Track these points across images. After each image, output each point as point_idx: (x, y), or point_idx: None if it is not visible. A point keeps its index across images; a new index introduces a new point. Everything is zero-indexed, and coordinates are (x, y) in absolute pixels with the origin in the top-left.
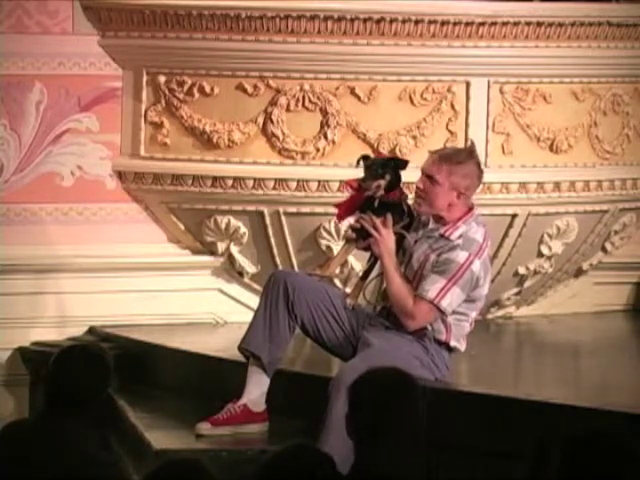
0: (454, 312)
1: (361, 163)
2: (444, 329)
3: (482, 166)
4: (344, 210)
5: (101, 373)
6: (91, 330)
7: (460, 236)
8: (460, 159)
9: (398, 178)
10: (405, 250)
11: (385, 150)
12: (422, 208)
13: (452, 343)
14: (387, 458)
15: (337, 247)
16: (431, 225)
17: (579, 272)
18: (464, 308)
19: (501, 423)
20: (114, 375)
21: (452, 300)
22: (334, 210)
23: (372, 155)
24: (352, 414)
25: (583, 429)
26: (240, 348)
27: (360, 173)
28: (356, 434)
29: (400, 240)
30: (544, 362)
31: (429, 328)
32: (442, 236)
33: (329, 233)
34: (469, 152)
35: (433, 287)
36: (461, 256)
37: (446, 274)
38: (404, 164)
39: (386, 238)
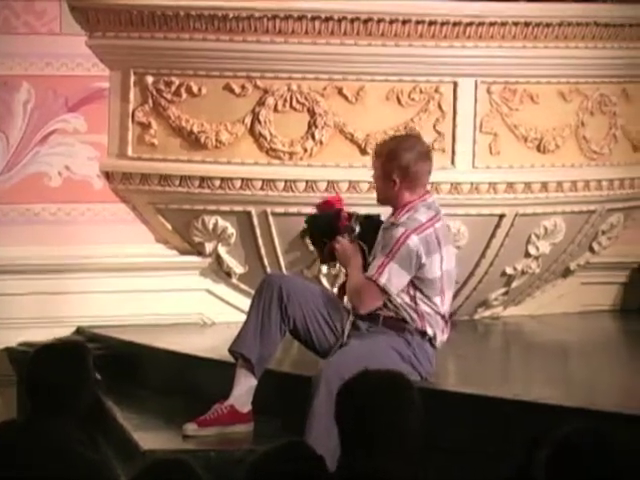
0: (412, 296)
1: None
2: (417, 317)
3: (423, 151)
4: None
5: (78, 370)
6: (79, 330)
7: (407, 219)
8: (389, 150)
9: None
10: (368, 254)
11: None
12: (378, 200)
13: (428, 330)
14: (379, 460)
15: None
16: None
17: (566, 272)
18: (419, 291)
19: (489, 423)
20: (102, 375)
21: (390, 276)
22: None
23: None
24: (343, 421)
25: (567, 430)
26: (231, 350)
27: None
28: (348, 436)
29: (362, 249)
30: (532, 362)
31: (408, 319)
32: (392, 224)
33: None
34: (400, 142)
35: (373, 265)
36: (398, 232)
37: (384, 251)
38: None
39: (339, 249)
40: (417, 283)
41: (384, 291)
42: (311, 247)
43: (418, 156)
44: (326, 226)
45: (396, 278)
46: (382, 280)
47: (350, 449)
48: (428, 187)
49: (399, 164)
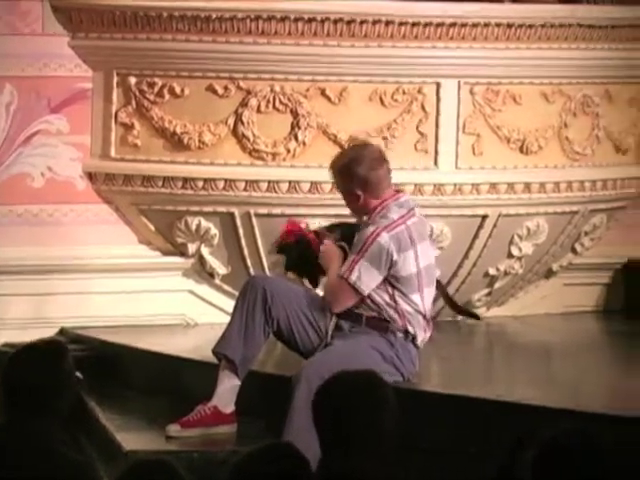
0: (391, 295)
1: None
2: (398, 316)
3: (376, 155)
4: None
5: (57, 370)
6: (62, 331)
7: (379, 218)
8: (342, 168)
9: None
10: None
11: None
12: (352, 213)
13: (410, 329)
14: (361, 462)
15: None
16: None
17: (549, 273)
18: (397, 289)
19: (472, 424)
20: (85, 376)
21: (361, 274)
22: (305, 212)
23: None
24: (320, 422)
25: (555, 430)
26: (214, 352)
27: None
28: (325, 437)
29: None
30: (515, 363)
31: (389, 320)
32: (366, 224)
33: None
34: (349, 157)
35: (345, 264)
36: (368, 230)
37: (355, 249)
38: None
39: (323, 250)
40: (393, 281)
41: (355, 289)
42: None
43: (371, 164)
44: (301, 256)
45: (366, 276)
46: (352, 278)
47: (328, 450)
48: (410, 188)
49: (356, 179)
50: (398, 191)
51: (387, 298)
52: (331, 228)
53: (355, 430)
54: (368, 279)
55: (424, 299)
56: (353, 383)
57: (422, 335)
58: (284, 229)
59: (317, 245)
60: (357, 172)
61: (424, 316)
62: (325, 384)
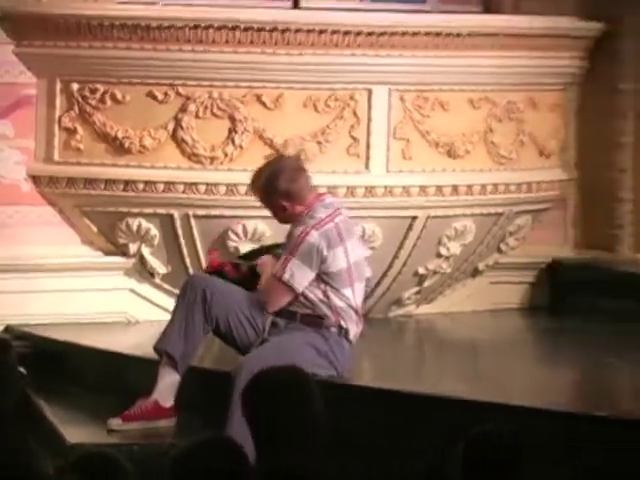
0: (324, 291)
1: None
2: (331, 312)
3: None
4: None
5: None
6: (7, 329)
7: (308, 218)
8: (263, 186)
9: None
10: None
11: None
12: (281, 223)
13: (342, 324)
14: (289, 457)
15: (244, 249)
16: None
17: (476, 272)
18: (329, 285)
19: (404, 419)
20: (30, 372)
21: (294, 272)
22: (242, 213)
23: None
24: (250, 417)
25: (483, 426)
26: (156, 348)
27: None
28: (256, 434)
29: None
30: (444, 359)
31: (323, 317)
32: (295, 226)
33: (237, 235)
34: (267, 174)
35: (277, 264)
36: (298, 230)
37: (286, 249)
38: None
39: (260, 263)
40: (325, 277)
41: (289, 287)
42: None
43: (290, 176)
44: None
45: (299, 274)
46: (286, 276)
47: (259, 445)
48: (343, 190)
49: (279, 193)
50: (321, 194)
51: (320, 295)
52: (260, 251)
53: (281, 426)
54: (301, 277)
55: (355, 293)
56: (278, 379)
57: (354, 329)
58: (209, 260)
59: (232, 274)
60: (278, 186)
61: (356, 311)
62: (252, 380)
